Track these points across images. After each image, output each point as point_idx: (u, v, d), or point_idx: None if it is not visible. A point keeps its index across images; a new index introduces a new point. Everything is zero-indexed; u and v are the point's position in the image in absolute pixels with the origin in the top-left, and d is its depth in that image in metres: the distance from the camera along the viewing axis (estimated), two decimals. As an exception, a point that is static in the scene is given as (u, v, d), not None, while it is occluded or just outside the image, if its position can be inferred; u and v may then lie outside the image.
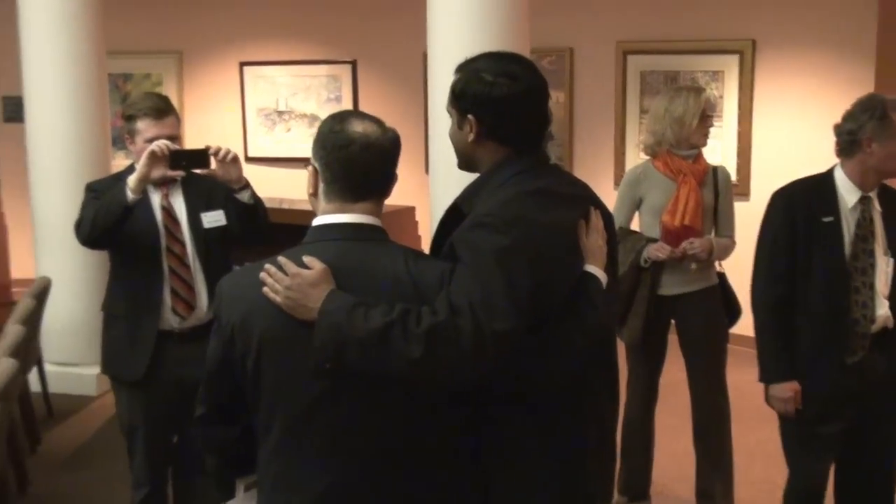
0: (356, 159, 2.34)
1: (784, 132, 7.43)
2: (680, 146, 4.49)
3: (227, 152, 3.77)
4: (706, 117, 4.52)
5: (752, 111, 7.52)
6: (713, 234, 4.59)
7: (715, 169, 4.59)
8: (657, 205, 4.49)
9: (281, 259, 2.31)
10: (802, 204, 3.66)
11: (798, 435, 3.80)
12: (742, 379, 6.53)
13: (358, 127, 2.36)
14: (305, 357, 2.25)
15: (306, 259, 2.29)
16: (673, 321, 4.63)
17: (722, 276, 4.64)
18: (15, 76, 6.77)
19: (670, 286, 4.50)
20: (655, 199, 4.50)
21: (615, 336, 2.76)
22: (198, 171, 3.82)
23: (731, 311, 4.63)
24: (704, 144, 4.56)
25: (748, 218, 7.02)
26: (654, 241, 4.47)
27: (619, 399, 2.68)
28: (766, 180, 7.39)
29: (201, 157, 3.74)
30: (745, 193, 7.28)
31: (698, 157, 4.54)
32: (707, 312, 4.56)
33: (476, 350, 2.18)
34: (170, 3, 9.19)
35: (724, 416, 4.63)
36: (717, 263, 4.62)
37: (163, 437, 4.04)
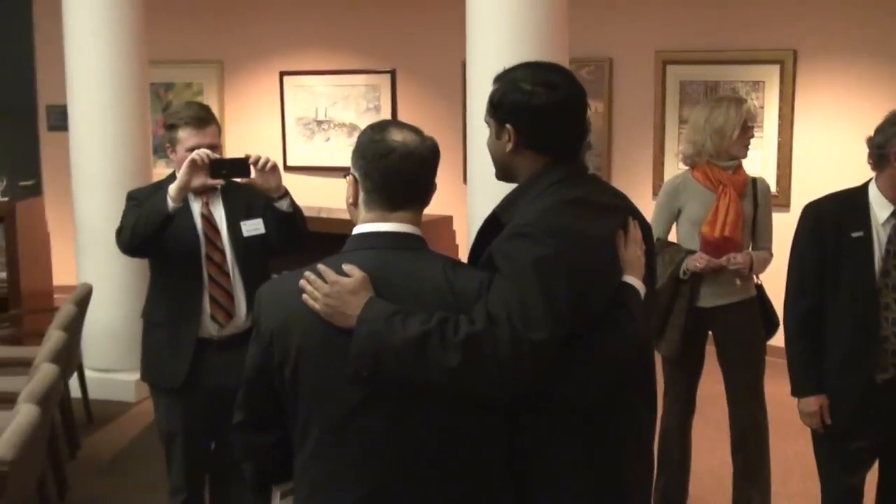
0: (396, 168, 2.35)
1: (825, 143, 7.37)
2: (720, 157, 4.45)
3: (267, 161, 3.79)
4: (747, 128, 4.48)
5: (792, 122, 7.46)
6: (751, 246, 4.55)
7: (754, 180, 4.55)
8: (696, 216, 4.46)
9: (320, 267, 2.32)
10: (831, 218, 3.61)
11: (828, 449, 3.76)
12: (780, 391, 6.46)
13: (397, 136, 2.37)
14: (343, 365, 2.25)
15: (346, 267, 2.30)
16: (711, 333, 4.60)
17: (760, 288, 4.60)
18: (59, 86, 6.86)
19: (708, 298, 4.47)
20: (694, 210, 4.47)
21: (653, 347, 2.74)
22: (237, 179, 3.85)
23: (769, 323, 4.59)
24: (745, 156, 4.52)
25: (788, 229, 6.97)
26: (693, 252, 4.44)
27: (656, 411, 2.67)
28: (807, 192, 7.30)
29: (241, 165, 3.77)
30: (785, 205, 7.22)
31: (738, 169, 4.50)
32: (745, 325, 4.52)
33: (513, 360, 2.18)
34: (211, 13, 9.27)
35: (761, 429, 4.59)
36: (754, 275, 4.58)
37: (201, 445, 4.05)
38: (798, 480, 5.26)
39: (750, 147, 4.55)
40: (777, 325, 4.58)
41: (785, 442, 5.61)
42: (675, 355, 4.47)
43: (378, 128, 2.41)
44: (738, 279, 4.43)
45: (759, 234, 4.55)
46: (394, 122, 2.45)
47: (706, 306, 4.47)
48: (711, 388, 4.83)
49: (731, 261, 4.36)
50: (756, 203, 4.52)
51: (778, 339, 4.61)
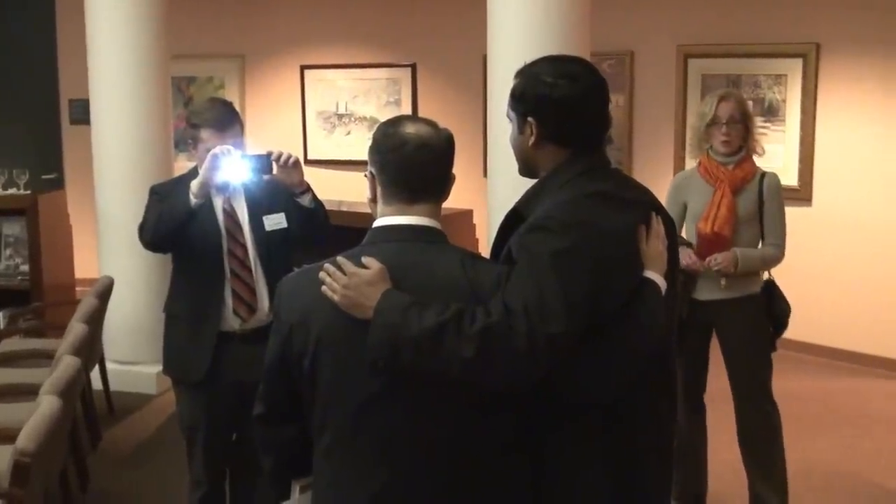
0: (411, 159, 2.36)
1: (848, 137, 7.31)
2: (716, 152, 4.47)
3: (289, 157, 3.79)
4: (718, 124, 4.42)
5: (815, 116, 7.40)
6: (760, 242, 4.52)
7: (763, 175, 4.52)
8: (697, 211, 4.45)
9: (340, 259, 2.33)
10: None
11: None
12: (802, 386, 6.45)
13: (411, 128, 2.38)
14: (361, 356, 2.26)
15: (364, 259, 2.30)
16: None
17: (769, 284, 4.56)
18: (81, 79, 6.90)
19: (706, 291, 4.43)
20: (696, 204, 4.47)
21: (673, 342, 2.73)
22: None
23: (776, 321, 4.53)
24: (724, 151, 4.45)
25: (810, 224, 6.96)
26: (689, 244, 4.42)
27: (676, 406, 2.65)
28: (829, 186, 7.31)
29: (263, 162, 3.78)
30: (807, 199, 7.17)
31: (741, 163, 4.46)
32: (747, 321, 4.47)
33: (529, 352, 2.18)
34: (233, 7, 9.29)
35: (769, 426, 4.53)
36: (765, 271, 4.55)
37: (222, 438, 4.07)
38: (820, 475, 5.23)
39: (728, 143, 4.42)
40: (783, 324, 4.53)
41: (806, 437, 5.60)
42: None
43: (392, 123, 2.43)
44: (724, 279, 4.39)
45: (765, 230, 4.51)
46: (408, 116, 2.47)
47: (703, 299, 4.44)
48: (727, 382, 4.80)
49: (712, 262, 4.33)
50: (762, 199, 4.48)
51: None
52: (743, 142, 4.48)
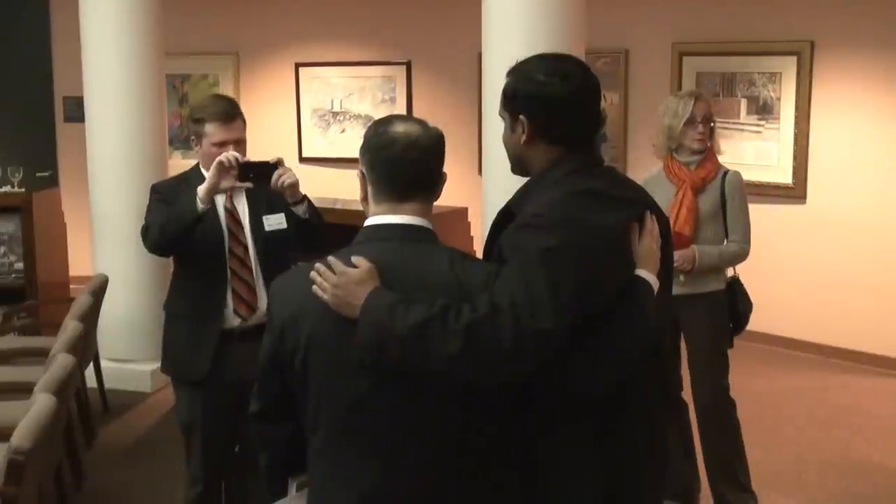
0: (400, 158, 2.36)
1: (842, 135, 7.31)
2: (680, 152, 4.53)
3: (284, 180, 3.78)
4: (695, 123, 4.48)
5: (809, 113, 7.40)
6: (725, 241, 4.54)
7: (726, 173, 4.55)
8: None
9: (330, 259, 2.34)
10: None
11: None
12: (794, 383, 6.46)
13: (400, 127, 2.39)
14: (351, 354, 2.27)
15: (354, 258, 2.31)
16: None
17: (734, 282, 4.59)
18: (76, 77, 6.89)
19: None
20: (660, 204, 4.48)
21: (666, 341, 2.73)
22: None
23: (737, 319, 4.55)
24: (699, 149, 4.52)
25: (804, 222, 6.96)
26: None
27: (671, 404, 2.65)
28: (824, 184, 7.32)
29: (269, 170, 3.78)
30: (801, 197, 7.17)
31: (703, 163, 4.52)
32: (706, 318, 4.51)
33: (515, 348, 2.18)
34: (227, 4, 9.28)
35: (727, 426, 4.55)
36: (730, 269, 4.58)
37: (220, 436, 4.06)
38: (814, 472, 5.25)
39: (703, 141, 4.51)
40: (742, 322, 4.54)
41: (801, 433, 5.61)
42: None
43: (382, 122, 2.44)
44: (682, 276, 4.42)
45: (729, 228, 4.55)
46: (399, 115, 2.49)
47: None
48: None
49: None
50: (724, 197, 4.51)
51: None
52: (709, 140, 4.56)
